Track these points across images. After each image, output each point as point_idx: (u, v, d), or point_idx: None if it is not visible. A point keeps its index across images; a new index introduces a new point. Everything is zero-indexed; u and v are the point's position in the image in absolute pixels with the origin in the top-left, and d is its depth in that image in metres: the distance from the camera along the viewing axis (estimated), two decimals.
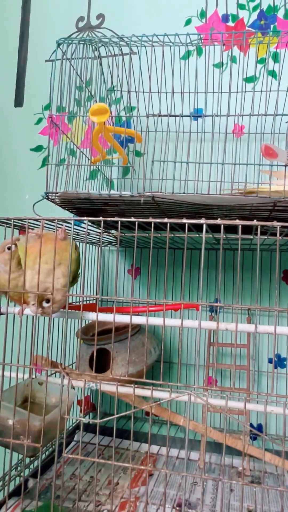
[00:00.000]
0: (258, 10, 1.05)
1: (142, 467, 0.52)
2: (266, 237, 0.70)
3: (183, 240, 0.90)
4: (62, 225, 0.67)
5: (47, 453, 0.85)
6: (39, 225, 0.66)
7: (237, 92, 0.84)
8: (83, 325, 0.97)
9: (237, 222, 0.53)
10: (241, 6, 1.06)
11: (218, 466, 0.87)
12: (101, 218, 0.58)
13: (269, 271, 0.98)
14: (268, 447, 0.91)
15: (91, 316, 0.63)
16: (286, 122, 0.70)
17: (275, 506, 0.73)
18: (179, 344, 0.56)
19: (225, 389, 0.54)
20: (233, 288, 1.00)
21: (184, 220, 0.55)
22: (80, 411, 1.06)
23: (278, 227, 0.52)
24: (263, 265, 0.99)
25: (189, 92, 0.85)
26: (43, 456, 0.83)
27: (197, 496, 0.75)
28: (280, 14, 1.03)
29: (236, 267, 0.99)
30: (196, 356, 0.87)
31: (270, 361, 0.96)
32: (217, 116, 0.75)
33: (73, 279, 0.67)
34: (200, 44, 0.80)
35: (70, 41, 0.77)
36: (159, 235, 0.67)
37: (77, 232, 0.81)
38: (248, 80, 1.00)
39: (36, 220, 0.63)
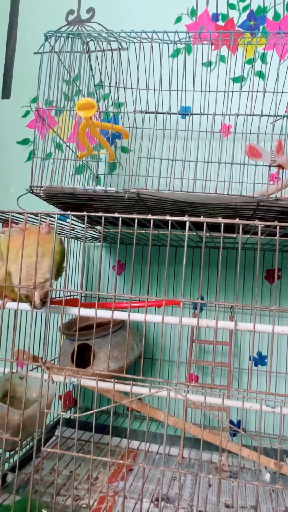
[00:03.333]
0: (248, 11, 1.05)
1: (120, 461, 0.52)
2: (249, 236, 0.71)
3: (171, 237, 0.91)
4: (46, 219, 0.66)
5: (27, 447, 0.85)
6: (22, 218, 0.65)
7: (224, 91, 0.84)
8: (67, 320, 0.97)
9: (220, 220, 0.54)
10: (231, 6, 1.06)
11: (197, 461, 0.88)
12: (85, 213, 0.58)
13: (253, 269, 0.99)
14: (248, 443, 0.93)
15: (74, 311, 0.63)
16: (271, 123, 0.70)
17: (252, 500, 0.74)
18: (161, 340, 0.56)
19: (204, 385, 0.55)
20: (217, 285, 1.01)
21: (168, 217, 0.56)
22: (62, 406, 1.06)
23: (260, 226, 0.53)
24: (247, 264, 1.00)
25: (177, 90, 0.85)
26: (23, 450, 0.83)
27: (176, 491, 0.76)
28: (270, 15, 1.04)
29: (223, 265, 1.00)
30: (176, 352, 0.88)
31: (250, 358, 0.98)
32: (203, 114, 0.75)
33: (57, 271, 0.66)
34: (190, 42, 0.80)
35: (58, 34, 0.76)
36: (144, 231, 0.68)
37: (62, 227, 0.81)
38: (236, 80, 1.01)
39: (20, 213, 0.63)
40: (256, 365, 0.98)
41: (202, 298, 1.01)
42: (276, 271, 0.80)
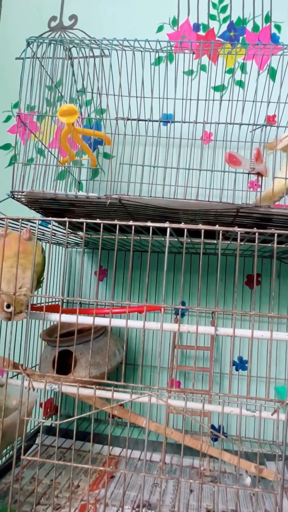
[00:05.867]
0: (228, 22, 1.08)
1: (101, 468, 0.52)
2: (229, 242, 0.72)
3: (153, 243, 0.91)
4: (27, 224, 0.66)
5: (7, 456, 0.84)
6: (3, 224, 0.65)
7: (206, 100, 0.86)
8: (49, 326, 0.96)
9: (200, 227, 0.54)
10: (211, 17, 1.08)
11: (179, 467, 0.88)
12: (66, 219, 0.58)
13: (234, 275, 1.01)
14: (230, 448, 0.93)
15: (55, 317, 0.63)
16: (250, 132, 0.72)
17: (233, 504, 0.75)
18: (142, 345, 0.56)
19: (185, 390, 0.55)
20: (199, 291, 1.02)
21: (149, 224, 0.56)
22: (42, 413, 1.05)
23: (239, 232, 0.54)
24: (229, 269, 1.01)
25: (159, 98, 0.86)
26: (3, 459, 0.81)
27: (158, 497, 0.76)
28: (249, 27, 1.07)
29: (205, 270, 1.01)
30: (157, 358, 0.88)
31: (233, 363, 0.99)
32: (184, 122, 0.76)
33: (38, 282, 0.66)
34: (171, 51, 0.81)
35: (40, 41, 0.76)
36: (125, 237, 0.68)
37: (43, 233, 0.80)
38: (217, 88, 1.02)
39: (0, 219, 0.62)
40: (237, 369, 0.99)
41: (184, 304, 1.02)
42: (255, 276, 0.81)
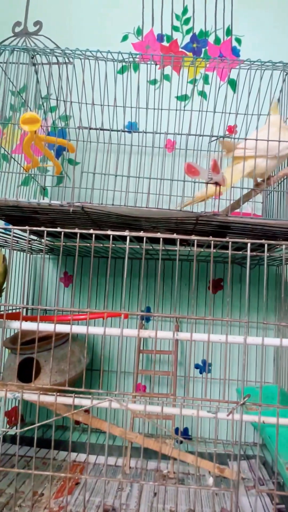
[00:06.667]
0: (191, 34, 1.11)
1: (62, 474, 0.52)
2: (189, 249, 0.74)
3: (119, 250, 0.92)
4: None
5: None
6: None
7: (169, 109, 0.88)
8: (13, 334, 0.95)
9: (158, 235, 0.56)
10: (175, 28, 1.11)
11: (144, 470, 0.89)
12: (27, 227, 0.58)
13: (197, 280, 1.03)
14: (194, 450, 0.95)
15: (16, 325, 0.63)
16: (209, 142, 0.75)
17: (196, 505, 0.76)
18: (102, 351, 0.57)
19: (145, 394, 0.57)
20: (165, 297, 1.03)
21: (109, 232, 0.57)
22: (7, 422, 1.03)
23: (195, 240, 0.56)
24: (191, 275, 1.03)
25: (124, 106, 0.88)
26: None
27: (123, 502, 0.77)
28: (211, 39, 1.10)
29: (172, 276, 1.03)
30: (118, 363, 0.89)
31: (196, 366, 1.01)
32: (146, 133, 0.78)
33: None
34: (135, 61, 0.83)
35: (3, 48, 0.76)
36: (88, 244, 0.69)
37: (5, 240, 0.80)
38: (180, 98, 1.05)
39: None
40: (201, 372, 1.01)
41: (149, 309, 1.04)
42: (212, 282, 0.84)
